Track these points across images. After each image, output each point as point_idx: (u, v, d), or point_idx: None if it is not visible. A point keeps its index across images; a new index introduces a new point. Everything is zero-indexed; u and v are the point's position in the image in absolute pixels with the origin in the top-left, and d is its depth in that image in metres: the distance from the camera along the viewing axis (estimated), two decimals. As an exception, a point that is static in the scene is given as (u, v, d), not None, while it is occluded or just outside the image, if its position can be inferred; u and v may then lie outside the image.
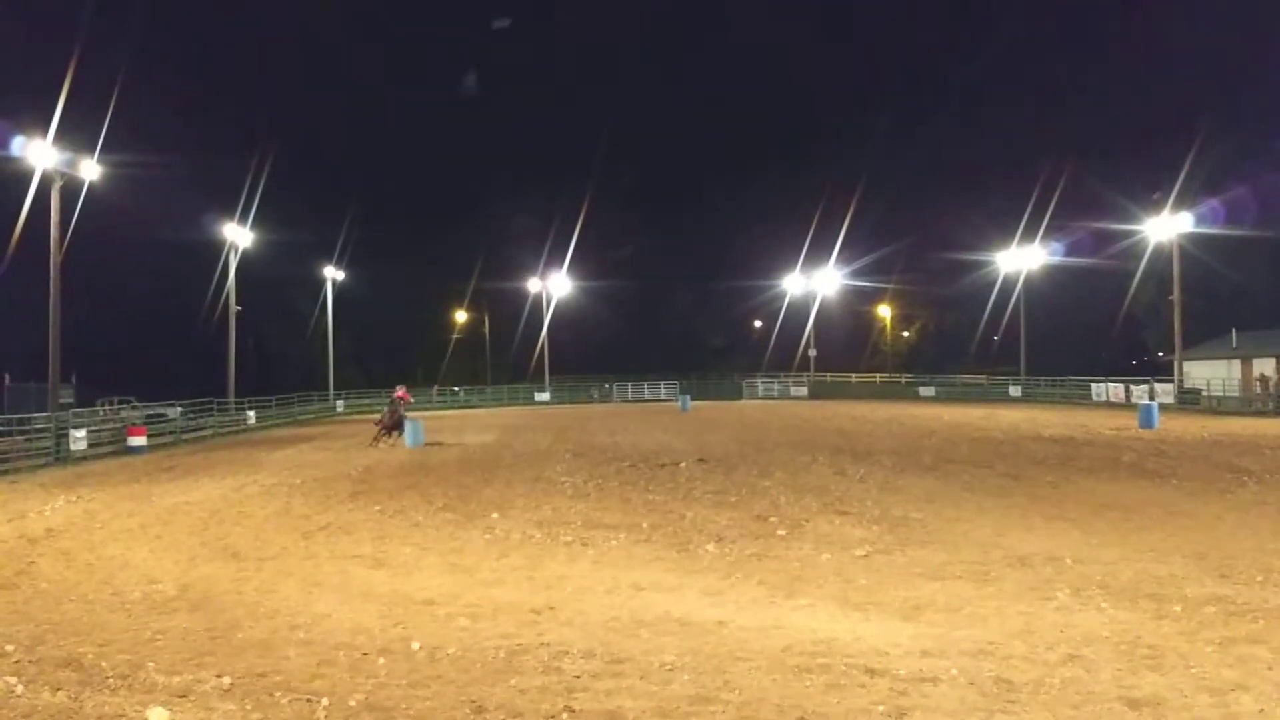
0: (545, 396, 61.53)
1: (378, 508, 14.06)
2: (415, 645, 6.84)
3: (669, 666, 6.24)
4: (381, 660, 6.54)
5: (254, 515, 13.77)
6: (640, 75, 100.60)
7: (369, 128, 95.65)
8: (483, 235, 72.17)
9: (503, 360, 73.62)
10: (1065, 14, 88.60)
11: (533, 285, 65.05)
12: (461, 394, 62.06)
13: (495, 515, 12.99)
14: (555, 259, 64.29)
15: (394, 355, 72.52)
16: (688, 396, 51.49)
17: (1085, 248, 51.98)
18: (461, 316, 76.59)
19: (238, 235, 43.62)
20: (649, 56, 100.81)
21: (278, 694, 5.89)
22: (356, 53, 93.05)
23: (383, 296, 68.33)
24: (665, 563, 9.77)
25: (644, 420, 37.37)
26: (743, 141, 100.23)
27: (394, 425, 26.61)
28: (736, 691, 5.75)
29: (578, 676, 6.09)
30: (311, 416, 48.62)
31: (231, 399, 42.03)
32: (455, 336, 76.27)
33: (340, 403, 55.25)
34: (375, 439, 26.54)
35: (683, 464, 18.82)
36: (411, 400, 28.85)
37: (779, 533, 11.29)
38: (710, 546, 10.49)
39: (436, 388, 62.43)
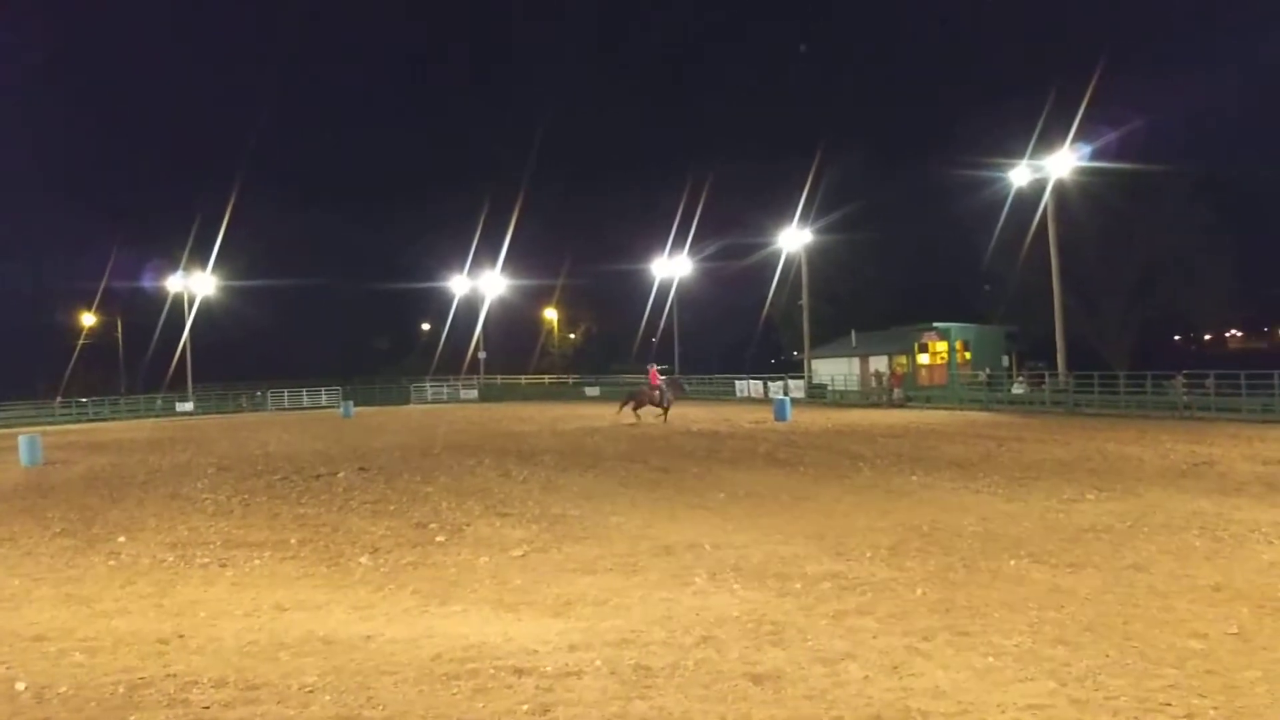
0: (188, 407, 56.67)
1: (-21, 537, 12.28)
2: (20, 686, 6.07)
3: (309, 688, 5.92)
4: (-22, 706, 5.71)
5: None
6: (300, 67, 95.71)
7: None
8: (114, 229, 65.20)
9: (138, 368, 66.93)
10: (705, 40, 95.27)
11: (173, 284, 59.58)
12: (90, 406, 55.68)
13: (122, 539, 11.82)
14: (200, 256, 59.25)
15: (6, 364, 63.51)
16: (350, 402, 49.67)
17: (730, 256, 56.25)
18: (89, 319, 68.71)
19: None
20: (309, 48, 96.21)
21: None
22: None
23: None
24: (314, 579, 9.30)
25: (301, 429, 35.55)
26: (406, 143, 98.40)
27: (656, 401, 30.31)
28: (380, 707, 5.56)
29: (207, 707, 5.62)
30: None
31: None
32: (82, 342, 68.25)
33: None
34: (628, 409, 30.61)
35: (340, 473, 18.07)
36: (661, 381, 31.79)
37: (438, 539, 11.13)
38: (364, 559, 10.13)
39: (59, 400, 55.62)
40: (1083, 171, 36.89)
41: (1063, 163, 35.67)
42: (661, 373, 34.25)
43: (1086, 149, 35.83)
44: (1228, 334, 73.37)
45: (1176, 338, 65.46)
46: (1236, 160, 42.31)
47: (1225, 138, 45.68)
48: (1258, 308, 54.75)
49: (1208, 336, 71.34)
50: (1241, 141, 47.25)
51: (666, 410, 30.91)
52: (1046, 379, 36.32)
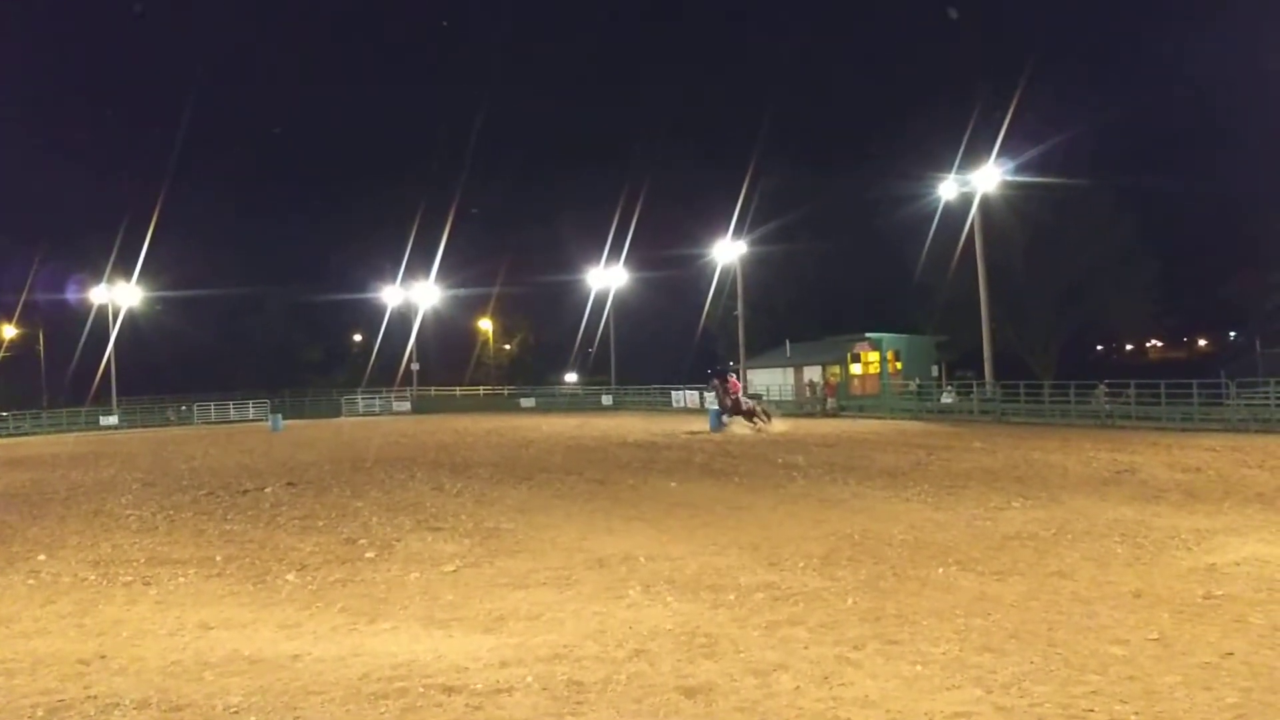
0: (113, 421, 55.15)
1: (-109, 558, 11.80)
2: (-67, 711, 5.83)
3: (234, 709, 5.78)
4: (-115, 738, 5.48)
5: None
6: (223, 73, 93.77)
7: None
8: (36, 240, 63.19)
9: (61, 381, 64.80)
10: (633, 64, 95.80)
11: (97, 296, 57.91)
12: (10, 421, 53.77)
13: (42, 557, 11.48)
14: (124, 267, 57.63)
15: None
16: (280, 416, 48.69)
17: (667, 266, 56.46)
18: (10, 332, 66.57)
19: None
20: (232, 53, 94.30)
21: None
22: None
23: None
24: (239, 597, 9.09)
25: (228, 443, 34.78)
26: (337, 153, 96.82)
27: (735, 410, 29.70)
28: (306, 729, 5.45)
29: (128, 731, 5.47)
30: None
31: None
32: (2, 355, 66.12)
33: None
34: (756, 419, 29.46)
35: (268, 488, 17.72)
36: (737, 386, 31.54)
37: (368, 555, 10.95)
38: (291, 576, 9.92)
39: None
40: (1009, 185, 37.85)
41: (988, 177, 36.57)
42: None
43: (1011, 164, 36.80)
44: (1149, 344, 75.57)
45: (1100, 348, 67.30)
46: (1158, 174, 43.61)
47: (1147, 152, 47.08)
48: (1178, 318, 56.45)
49: (1130, 346, 73.51)
50: (1163, 156, 48.80)
51: (731, 416, 30.09)
52: (975, 388, 37.05)
